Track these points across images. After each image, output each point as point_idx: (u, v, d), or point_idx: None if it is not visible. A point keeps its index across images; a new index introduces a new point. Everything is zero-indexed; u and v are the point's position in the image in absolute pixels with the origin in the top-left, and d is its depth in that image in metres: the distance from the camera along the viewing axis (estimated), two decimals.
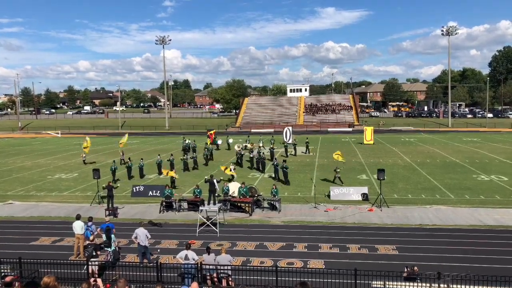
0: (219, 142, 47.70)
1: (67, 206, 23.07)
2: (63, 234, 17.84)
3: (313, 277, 11.56)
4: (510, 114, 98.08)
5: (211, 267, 12.23)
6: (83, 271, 12.63)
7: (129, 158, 33.62)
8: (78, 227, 15.31)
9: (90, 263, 12.55)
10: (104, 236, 14.77)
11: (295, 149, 41.96)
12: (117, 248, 15.06)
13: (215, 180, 22.66)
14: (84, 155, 38.80)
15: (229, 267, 12.23)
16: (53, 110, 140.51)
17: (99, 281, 12.08)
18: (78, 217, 15.71)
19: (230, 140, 48.84)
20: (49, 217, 21.07)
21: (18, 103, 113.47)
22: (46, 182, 30.31)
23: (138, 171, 31.40)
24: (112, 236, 14.60)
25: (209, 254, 12.77)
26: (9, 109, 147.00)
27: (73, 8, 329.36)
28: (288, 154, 40.58)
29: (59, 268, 12.10)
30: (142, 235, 14.49)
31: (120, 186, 26.50)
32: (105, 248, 14.50)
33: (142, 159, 33.58)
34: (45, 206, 23.23)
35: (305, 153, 42.30)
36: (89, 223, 15.54)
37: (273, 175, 29.72)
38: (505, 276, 10.48)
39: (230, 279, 12.17)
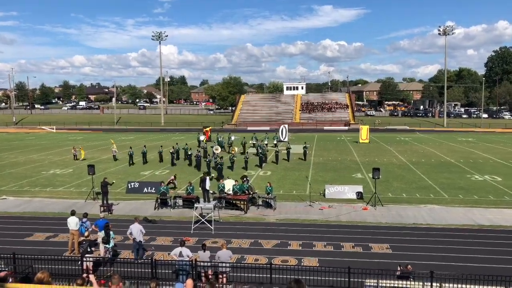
0: (220, 139, 46.89)
1: (62, 202, 23.00)
2: (58, 230, 17.78)
3: (307, 275, 11.62)
4: (505, 115, 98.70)
5: (206, 264, 12.25)
6: (77, 267, 12.61)
7: (144, 146, 37.90)
8: (73, 223, 15.28)
9: (84, 259, 12.54)
10: (102, 232, 14.70)
11: (288, 154, 37.30)
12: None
13: (207, 178, 22.68)
14: (75, 150, 38.80)
15: (227, 263, 12.27)
16: (48, 106, 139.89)
17: (91, 277, 12.07)
18: (73, 213, 15.68)
19: (232, 137, 48.69)
20: (43, 212, 21.01)
21: (12, 97, 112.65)
22: (40, 177, 30.18)
23: (158, 156, 36.60)
24: (111, 232, 14.59)
25: (204, 251, 12.80)
26: (3, 104, 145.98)
27: (68, 2, 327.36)
28: (280, 160, 35.75)
29: (53, 264, 12.10)
30: (136, 231, 14.51)
31: (116, 183, 26.42)
32: (105, 245, 14.49)
33: (161, 146, 39.07)
34: (39, 202, 23.15)
35: (303, 159, 37.08)
36: (84, 219, 15.52)
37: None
38: (497, 276, 10.59)
39: (225, 275, 12.20)
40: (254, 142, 44.41)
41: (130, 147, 37.11)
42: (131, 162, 35.35)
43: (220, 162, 29.75)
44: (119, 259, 13.66)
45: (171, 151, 35.71)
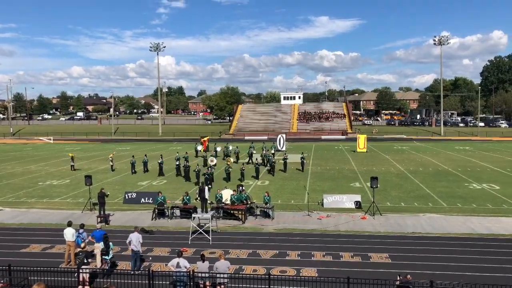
0: (218, 149, 46.76)
1: (58, 213, 22.83)
2: (54, 241, 17.62)
3: (306, 286, 11.52)
4: (501, 123, 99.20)
5: (204, 275, 12.14)
6: (74, 279, 12.47)
7: (145, 155, 38.27)
8: (69, 234, 15.15)
9: (81, 271, 12.41)
10: (99, 244, 14.55)
11: (285, 165, 36.29)
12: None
13: (206, 188, 22.58)
14: (72, 161, 38.79)
15: (225, 274, 12.16)
16: (46, 116, 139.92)
17: None
18: (69, 224, 15.57)
19: (230, 147, 48.68)
20: (39, 224, 20.83)
21: (10, 108, 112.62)
22: (37, 188, 30.01)
23: (158, 166, 35.70)
24: (110, 243, 14.45)
25: (203, 261, 12.68)
26: (1, 115, 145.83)
27: (66, 14, 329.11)
28: (276, 171, 35.20)
29: (49, 275, 11.97)
30: (135, 240, 14.44)
31: (113, 193, 26.28)
32: (103, 257, 14.34)
33: (161, 155, 37.99)
34: (35, 213, 22.98)
35: (300, 170, 36.24)
36: (81, 230, 15.39)
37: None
38: (497, 285, 10.54)
39: (222, 286, 12.08)
40: (253, 151, 44.30)
41: (133, 156, 37.76)
42: (133, 171, 35.73)
43: (208, 173, 29.21)
44: (116, 271, 13.53)
45: (159, 161, 35.59)
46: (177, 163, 35.33)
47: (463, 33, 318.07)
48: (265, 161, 38.04)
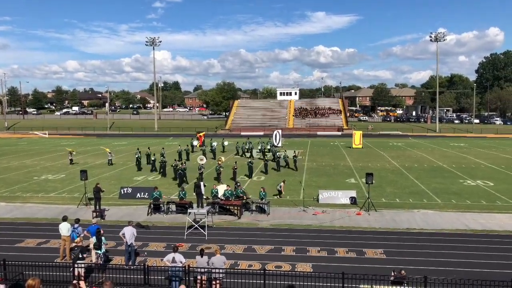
0: (215, 144, 46.37)
1: (54, 208, 22.77)
2: (49, 236, 17.59)
3: (301, 281, 11.59)
4: (496, 120, 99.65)
5: (201, 269, 12.16)
6: (69, 273, 12.47)
7: (148, 148, 39.02)
8: (65, 228, 15.13)
9: (76, 266, 12.40)
10: (93, 238, 14.55)
11: (278, 163, 35.10)
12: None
13: (201, 183, 22.54)
14: (71, 155, 38.72)
15: (221, 269, 12.19)
16: (40, 111, 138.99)
17: (82, 283, 11.95)
18: (64, 219, 15.54)
19: (226, 143, 48.57)
20: (35, 218, 20.78)
21: (4, 102, 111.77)
22: (32, 183, 29.89)
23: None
24: (103, 238, 14.46)
25: (202, 256, 12.69)
26: None
27: (61, 8, 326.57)
28: (269, 170, 33.89)
29: (44, 270, 11.96)
30: (129, 233, 14.45)
31: (109, 188, 26.23)
32: (96, 251, 14.35)
33: (163, 148, 38.67)
34: (30, 208, 22.91)
35: (294, 169, 34.87)
36: (76, 225, 15.38)
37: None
38: (489, 281, 10.64)
39: (218, 281, 12.11)
40: (247, 147, 44.25)
41: (138, 148, 38.21)
42: (136, 163, 35.67)
43: (182, 168, 28.87)
44: (112, 265, 13.53)
45: (136, 155, 35.84)
46: (153, 158, 35.10)
47: (459, 30, 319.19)
48: (274, 157, 38.16)
